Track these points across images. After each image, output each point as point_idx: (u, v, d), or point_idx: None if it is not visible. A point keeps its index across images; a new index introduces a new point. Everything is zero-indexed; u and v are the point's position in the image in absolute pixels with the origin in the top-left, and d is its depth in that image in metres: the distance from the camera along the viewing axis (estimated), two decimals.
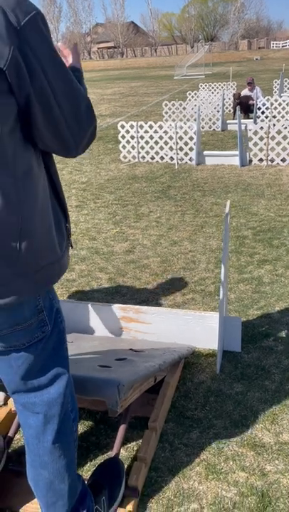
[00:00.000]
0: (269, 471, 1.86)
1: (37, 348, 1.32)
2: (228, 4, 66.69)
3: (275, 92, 13.14)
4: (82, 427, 2.13)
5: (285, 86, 13.60)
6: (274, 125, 6.70)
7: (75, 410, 1.48)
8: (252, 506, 1.71)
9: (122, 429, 1.86)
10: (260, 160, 6.82)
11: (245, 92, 10.51)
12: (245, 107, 10.13)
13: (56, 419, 1.40)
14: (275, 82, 13.49)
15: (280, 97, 11.00)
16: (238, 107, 8.11)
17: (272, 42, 60.36)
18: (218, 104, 9.97)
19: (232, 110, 9.80)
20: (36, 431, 1.40)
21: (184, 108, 9.96)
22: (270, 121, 8.96)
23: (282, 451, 1.95)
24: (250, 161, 6.91)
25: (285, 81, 13.62)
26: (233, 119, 9.69)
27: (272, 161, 6.79)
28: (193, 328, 2.58)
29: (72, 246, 1.48)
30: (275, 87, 13.37)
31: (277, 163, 6.74)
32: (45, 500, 1.47)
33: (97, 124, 1.31)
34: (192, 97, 11.79)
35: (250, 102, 10.15)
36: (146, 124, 7.18)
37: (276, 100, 9.76)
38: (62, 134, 1.22)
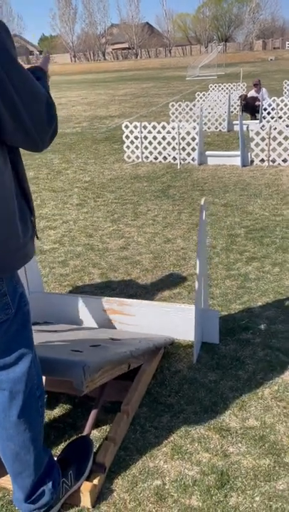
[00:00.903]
0: (231, 452, 1.97)
1: (0, 330, 1.45)
2: (243, 5, 66.42)
3: (285, 92, 13.15)
4: (60, 409, 2.27)
5: None
6: (275, 128, 6.76)
7: (40, 388, 1.61)
8: (211, 484, 1.82)
9: (94, 410, 1.99)
10: (262, 160, 6.89)
11: (251, 93, 10.56)
12: (251, 107, 10.19)
13: (21, 395, 1.53)
14: (286, 82, 13.49)
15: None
16: (240, 108, 8.17)
17: (287, 42, 59.90)
18: (224, 104, 10.04)
19: (239, 113, 9.84)
20: (3, 406, 1.53)
21: (191, 109, 10.05)
22: (275, 121, 9.00)
23: (246, 435, 2.05)
24: (252, 161, 6.97)
25: None
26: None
27: (273, 161, 6.85)
28: (173, 320, 2.70)
29: (37, 237, 1.60)
30: (286, 87, 13.38)
31: (279, 164, 6.79)
32: (12, 470, 1.61)
33: (57, 120, 1.44)
34: (200, 97, 11.87)
35: (257, 103, 10.20)
36: (149, 124, 7.30)
37: (282, 101, 9.79)
38: (29, 134, 1.35)
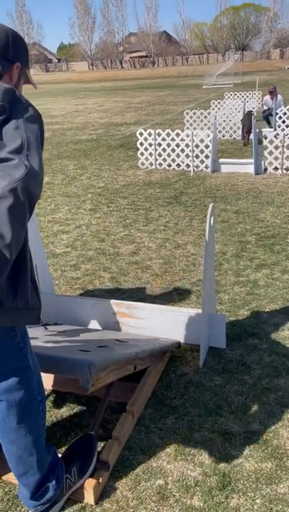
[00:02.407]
0: (234, 455, 1.98)
1: None
2: (260, 14, 66.57)
3: None
4: (67, 408, 2.31)
5: None
6: None
7: (41, 393, 1.65)
8: (212, 485, 1.84)
9: (99, 409, 2.04)
10: (275, 168, 6.89)
11: (266, 99, 10.55)
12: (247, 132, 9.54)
13: (18, 403, 1.56)
14: None
15: None
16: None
17: None
18: (239, 112, 10.08)
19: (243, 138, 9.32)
20: (1, 414, 1.57)
21: (206, 117, 10.11)
22: None
23: (249, 439, 2.07)
24: (265, 169, 6.99)
25: None
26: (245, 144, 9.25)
27: (287, 169, 6.85)
28: (180, 324, 2.73)
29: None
30: None
31: None
32: (16, 470, 1.65)
33: None
34: (216, 105, 11.93)
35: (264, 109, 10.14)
36: (163, 131, 7.37)
37: None
38: None
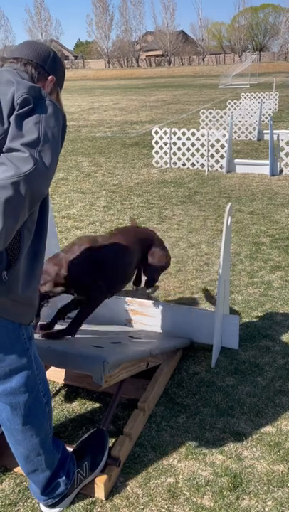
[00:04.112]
0: (246, 456, 1.97)
1: None
2: (279, 14, 65.97)
3: None
4: (78, 403, 2.32)
5: None
6: None
7: (47, 394, 1.64)
8: (223, 485, 1.83)
9: (111, 405, 2.04)
10: None
11: None
12: None
13: (22, 406, 1.54)
14: None
15: None
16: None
17: None
18: (255, 113, 10.01)
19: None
20: (7, 416, 1.56)
21: (221, 117, 10.05)
22: None
23: (261, 440, 2.05)
24: (281, 170, 6.93)
25: None
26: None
27: None
28: (192, 324, 2.72)
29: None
30: None
31: None
32: (26, 469, 1.65)
33: None
34: (232, 106, 11.87)
35: None
36: (179, 130, 7.35)
37: None
38: None
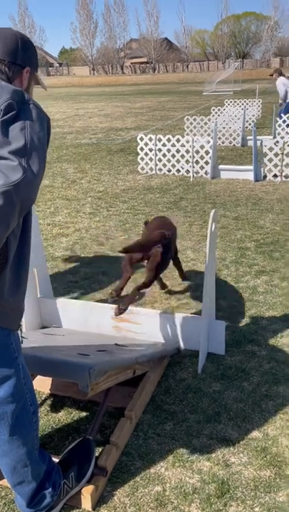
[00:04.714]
0: (233, 462, 1.97)
1: None
2: (261, 22, 67.03)
3: None
4: (64, 413, 2.30)
5: None
6: (288, 144, 6.80)
7: (34, 403, 1.62)
8: (211, 492, 1.83)
9: (98, 414, 2.02)
10: (275, 176, 6.92)
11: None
12: None
13: (9, 415, 1.52)
14: None
15: None
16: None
17: None
18: (239, 120, 10.13)
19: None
20: None
21: (206, 123, 10.14)
22: None
23: (248, 445, 2.05)
24: (265, 176, 7.01)
25: None
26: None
27: (286, 177, 6.88)
28: (179, 330, 2.72)
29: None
30: None
31: None
32: (12, 480, 1.63)
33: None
34: (216, 112, 11.99)
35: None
36: (164, 137, 7.39)
37: None
38: None
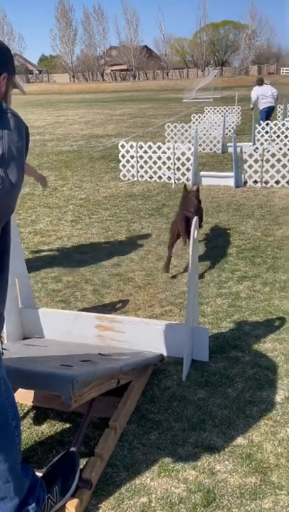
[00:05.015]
0: (218, 470, 1.97)
1: None
2: (239, 31, 68.16)
3: (279, 116, 13.43)
4: (48, 425, 2.26)
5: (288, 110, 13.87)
6: (268, 151, 6.90)
7: (16, 418, 1.59)
8: (197, 501, 1.81)
9: (82, 425, 1.99)
10: (255, 182, 7.00)
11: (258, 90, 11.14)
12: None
13: None
14: (279, 107, 13.79)
15: (283, 121, 11.24)
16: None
17: (282, 68, 61.37)
18: (219, 126, 10.24)
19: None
20: None
21: (186, 130, 10.23)
22: (268, 144, 9.18)
23: (233, 453, 2.05)
24: (245, 182, 7.09)
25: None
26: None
27: (266, 182, 6.97)
28: (163, 337, 2.71)
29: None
30: (280, 111, 13.67)
31: (271, 185, 6.91)
32: None
33: None
34: (196, 119, 12.10)
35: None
36: (145, 144, 7.42)
37: (276, 124, 10.01)
38: None
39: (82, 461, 1.96)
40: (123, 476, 1.95)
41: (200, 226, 3.99)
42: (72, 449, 1.91)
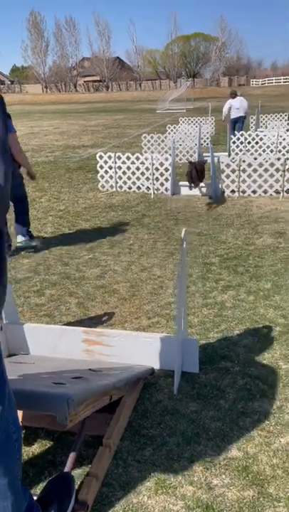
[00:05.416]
0: (216, 485, 1.94)
1: None
2: (209, 43, 69.68)
3: (252, 127, 13.71)
4: (39, 445, 2.19)
5: (261, 121, 14.19)
6: (244, 161, 7.02)
7: (18, 431, 1.54)
8: None
9: (75, 445, 1.94)
10: (232, 191, 7.10)
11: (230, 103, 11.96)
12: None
13: None
14: (252, 118, 14.09)
15: (255, 131, 11.48)
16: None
17: (251, 80, 62.94)
18: (194, 137, 10.37)
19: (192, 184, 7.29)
20: None
21: (163, 141, 10.32)
22: (243, 154, 9.34)
23: (229, 466, 2.04)
24: (223, 192, 7.18)
25: (261, 117, 14.25)
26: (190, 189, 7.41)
27: (243, 192, 7.07)
28: (153, 350, 2.69)
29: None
30: (252, 122, 13.97)
31: (249, 195, 7.02)
32: None
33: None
34: (171, 130, 12.22)
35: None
36: (123, 155, 7.43)
37: (250, 135, 10.20)
38: None
39: (77, 481, 1.90)
40: (119, 495, 1.90)
41: (200, 180, 6.79)
42: (66, 469, 1.86)
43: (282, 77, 58.03)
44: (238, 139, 10.13)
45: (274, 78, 59.14)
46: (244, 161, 6.98)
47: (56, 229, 5.62)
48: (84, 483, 1.86)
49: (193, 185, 6.88)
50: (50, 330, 2.90)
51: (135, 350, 2.70)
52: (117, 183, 7.58)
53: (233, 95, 12.56)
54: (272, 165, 6.85)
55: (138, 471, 2.02)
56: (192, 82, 52.94)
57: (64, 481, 1.80)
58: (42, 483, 1.97)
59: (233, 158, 7.09)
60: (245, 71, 73.91)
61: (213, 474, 1.99)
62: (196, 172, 6.76)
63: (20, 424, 2.27)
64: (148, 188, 7.39)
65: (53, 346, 2.83)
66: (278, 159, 6.90)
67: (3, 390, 1.45)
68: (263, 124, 14.16)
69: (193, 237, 5.13)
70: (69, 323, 3.29)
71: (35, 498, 1.70)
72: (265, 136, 10.22)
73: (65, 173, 9.23)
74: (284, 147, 9.85)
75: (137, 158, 7.35)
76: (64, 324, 3.27)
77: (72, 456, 1.90)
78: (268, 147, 9.92)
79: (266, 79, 60.10)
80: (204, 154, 10.20)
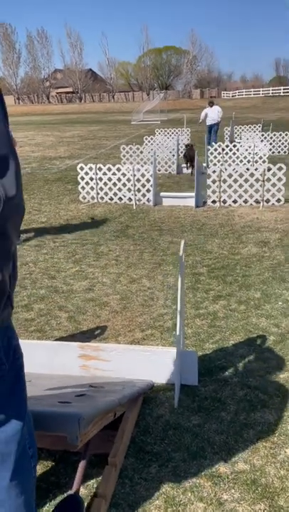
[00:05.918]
0: (226, 500, 1.91)
1: None
2: (181, 56, 70.92)
3: (226, 138, 13.96)
4: (41, 467, 2.11)
5: (235, 133, 14.47)
6: (226, 169, 7.12)
7: (33, 447, 1.48)
8: None
9: (81, 466, 1.87)
10: (214, 201, 7.18)
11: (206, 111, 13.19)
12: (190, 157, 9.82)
13: (13, 456, 1.38)
14: (226, 129, 14.36)
15: (231, 143, 11.68)
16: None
17: (222, 92, 64.30)
18: (173, 149, 10.46)
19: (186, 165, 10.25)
20: None
21: (141, 152, 10.37)
22: (222, 165, 9.48)
23: (238, 479, 2.01)
24: (204, 202, 7.25)
25: (235, 128, 14.53)
26: (187, 168, 10.19)
27: (224, 202, 7.16)
28: (151, 364, 2.65)
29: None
30: (226, 133, 14.23)
31: (230, 205, 7.11)
32: None
33: None
34: (148, 141, 12.31)
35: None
36: (104, 166, 7.42)
37: (227, 146, 10.37)
38: None
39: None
40: None
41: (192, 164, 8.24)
42: (73, 491, 1.80)
43: (252, 90, 59.58)
44: (216, 149, 10.27)
45: (244, 90, 60.64)
46: (224, 170, 7.07)
47: (40, 241, 5.53)
48: (93, 505, 1.80)
49: (189, 164, 9.76)
50: (44, 346, 2.83)
51: (133, 364, 2.66)
52: (98, 194, 7.54)
53: (211, 104, 13.58)
54: (252, 175, 6.97)
55: (145, 490, 1.97)
56: (165, 94, 53.65)
57: (73, 503, 1.73)
58: (47, 506, 1.90)
59: (214, 170, 7.18)
60: (216, 83, 75.50)
61: (222, 489, 1.96)
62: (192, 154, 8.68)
63: None
64: (130, 199, 7.39)
65: (48, 363, 2.76)
66: (256, 169, 7.03)
67: (25, 406, 1.41)
68: (238, 135, 14.43)
69: (178, 248, 5.13)
70: (61, 338, 3.22)
71: None
72: (241, 146, 10.41)
73: (44, 185, 9.13)
74: (260, 158, 10.05)
75: (118, 170, 7.35)
76: (56, 339, 3.20)
77: (78, 477, 1.84)
78: (245, 157, 10.10)
79: (236, 91, 61.57)
80: (183, 165, 10.31)
